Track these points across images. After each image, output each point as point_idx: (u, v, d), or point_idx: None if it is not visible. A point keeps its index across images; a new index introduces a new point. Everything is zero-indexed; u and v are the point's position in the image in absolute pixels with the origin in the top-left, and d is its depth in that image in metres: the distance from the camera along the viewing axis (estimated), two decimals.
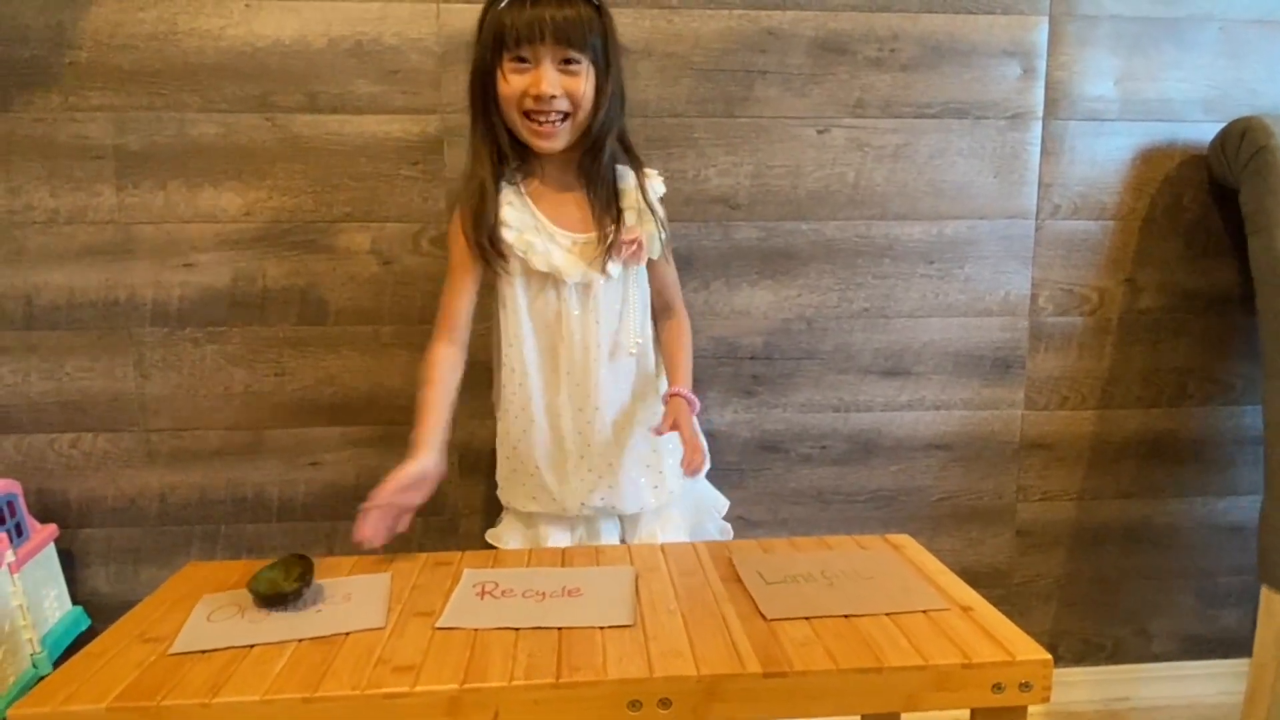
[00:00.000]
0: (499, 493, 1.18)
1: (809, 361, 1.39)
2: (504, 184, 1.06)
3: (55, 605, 1.26)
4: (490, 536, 1.19)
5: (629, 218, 1.06)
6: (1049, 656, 0.75)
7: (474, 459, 1.36)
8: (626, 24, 1.26)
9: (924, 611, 0.82)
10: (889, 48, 1.31)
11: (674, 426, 1.05)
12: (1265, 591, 1.25)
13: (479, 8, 1.23)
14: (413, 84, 1.26)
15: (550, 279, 1.05)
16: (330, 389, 1.32)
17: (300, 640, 0.79)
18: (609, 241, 1.05)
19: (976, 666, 0.74)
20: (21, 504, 1.22)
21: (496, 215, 1.04)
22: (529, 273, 1.06)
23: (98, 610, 1.32)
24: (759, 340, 1.37)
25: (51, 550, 1.27)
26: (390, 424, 1.34)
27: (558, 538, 1.13)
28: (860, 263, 1.37)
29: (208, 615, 0.84)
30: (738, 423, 1.39)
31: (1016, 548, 1.47)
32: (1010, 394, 1.42)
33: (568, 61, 1.00)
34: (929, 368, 1.40)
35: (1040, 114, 1.35)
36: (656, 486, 1.13)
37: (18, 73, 1.21)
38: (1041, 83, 1.34)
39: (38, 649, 1.18)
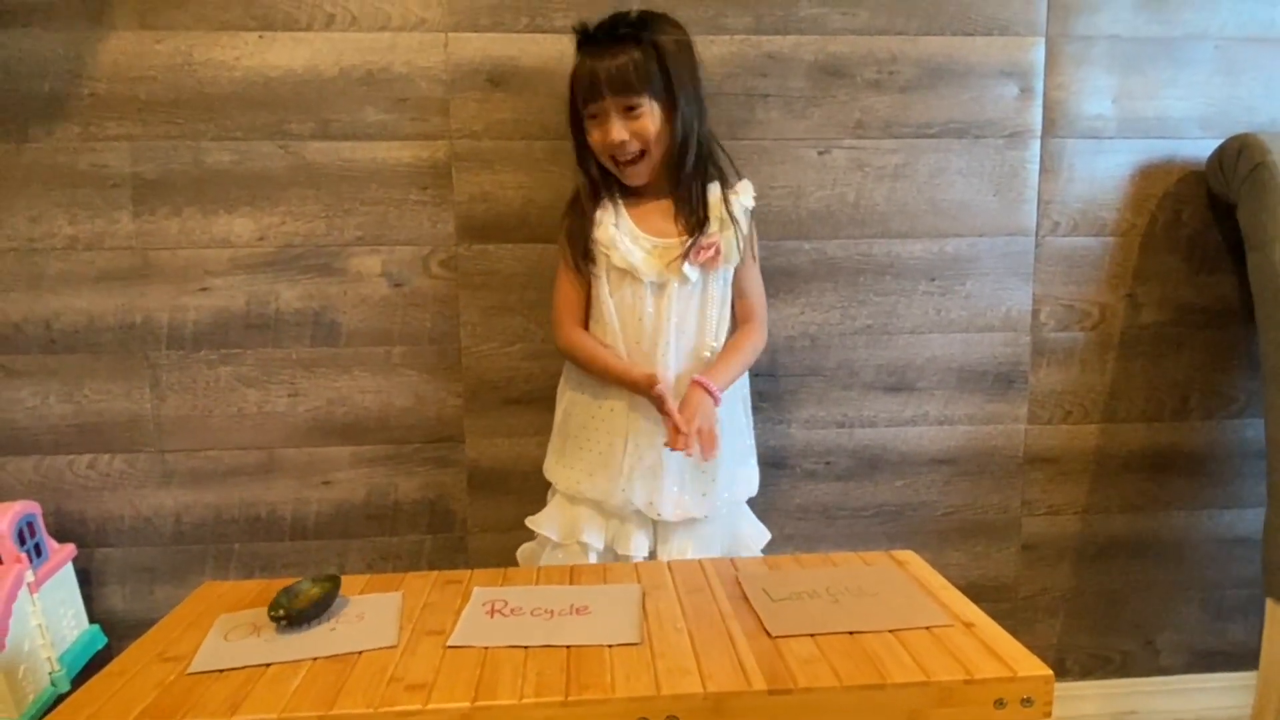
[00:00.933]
0: (547, 470, 1.22)
1: (813, 378, 1.40)
2: (604, 195, 1.17)
3: (73, 624, 1.28)
4: (530, 521, 1.22)
5: (711, 226, 1.14)
6: (1050, 672, 0.76)
7: (483, 477, 1.38)
8: None
9: (927, 628, 0.83)
10: (888, 70, 1.34)
11: (684, 411, 1.08)
12: (1271, 604, 1.25)
13: (486, 36, 1.28)
14: (422, 111, 1.29)
15: (629, 276, 1.13)
16: (342, 409, 1.35)
17: (315, 659, 0.80)
18: (688, 246, 1.11)
19: (978, 682, 0.75)
20: (41, 524, 1.24)
21: (589, 228, 1.15)
22: (612, 269, 1.14)
23: (114, 628, 1.34)
24: (764, 358, 1.36)
25: (70, 570, 1.29)
26: (401, 443, 1.36)
27: (591, 534, 1.16)
28: (862, 280, 1.38)
29: (224, 635, 0.86)
30: None
31: (1022, 562, 1.47)
32: (1013, 409, 1.43)
33: (630, 108, 1.10)
34: (932, 383, 1.41)
35: (1039, 132, 1.37)
36: (705, 494, 1.16)
37: (38, 105, 1.25)
38: (1039, 102, 1.36)
39: (56, 667, 1.20)
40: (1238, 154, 1.29)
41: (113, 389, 1.32)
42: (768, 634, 0.82)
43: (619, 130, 1.10)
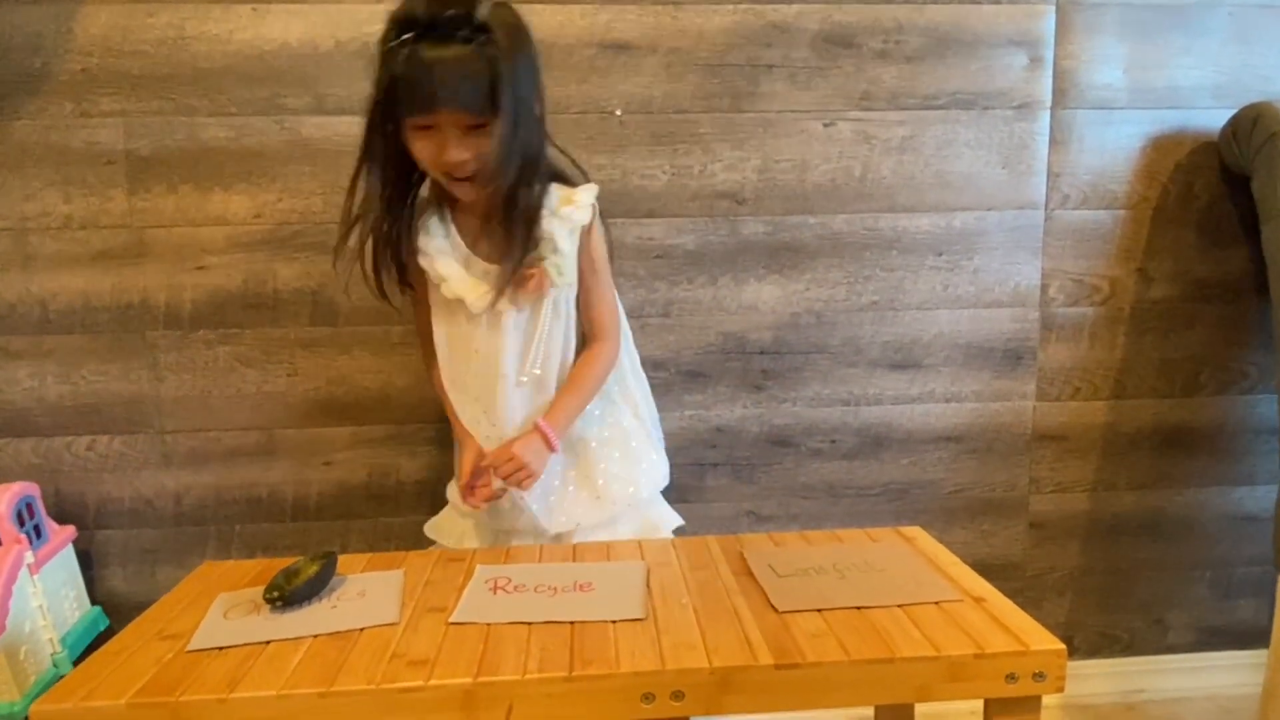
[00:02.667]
0: (448, 486, 1.19)
1: (818, 355, 1.38)
2: (431, 208, 1.04)
3: (74, 606, 1.28)
4: (429, 527, 1.19)
5: (544, 249, 1.00)
6: (1062, 646, 0.75)
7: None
8: (631, 20, 1.27)
9: (936, 603, 0.82)
10: (894, 39, 1.31)
11: (506, 455, 1.02)
12: None
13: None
14: None
15: (458, 307, 1.03)
16: (342, 389, 1.33)
17: (316, 636, 0.79)
18: (507, 277, 0.99)
19: (989, 657, 0.74)
20: (40, 506, 1.23)
21: (404, 251, 1.03)
22: (443, 298, 1.04)
23: (115, 610, 1.34)
24: (768, 335, 1.37)
25: (70, 551, 1.28)
26: (401, 423, 1.35)
27: (480, 541, 1.13)
28: (868, 256, 1.36)
29: (224, 613, 0.85)
30: (747, 418, 1.39)
31: (1030, 540, 1.46)
32: (1021, 385, 1.41)
33: (475, 125, 0.92)
34: (939, 360, 1.40)
35: (1048, 103, 1.34)
36: (598, 498, 1.10)
37: (30, 81, 1.22)
38: (1049, 72, 1.34)
39: (58, 649, 1.19)
40: (1252, 124, 1.27)
41: (110, 369, 1.30)
42: (774, 609, 0.81)
43: (457, 150, 0.92)
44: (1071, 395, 1.43)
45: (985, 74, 1.33)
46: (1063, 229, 1.38)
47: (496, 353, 1.04)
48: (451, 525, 1.17)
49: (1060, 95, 1.34)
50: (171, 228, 1.28)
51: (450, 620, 0.81)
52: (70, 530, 1.29)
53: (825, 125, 1.32)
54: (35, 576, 1.17)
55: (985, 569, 1.42)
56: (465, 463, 1.08)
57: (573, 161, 1.06)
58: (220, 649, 0.78)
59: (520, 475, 1.03)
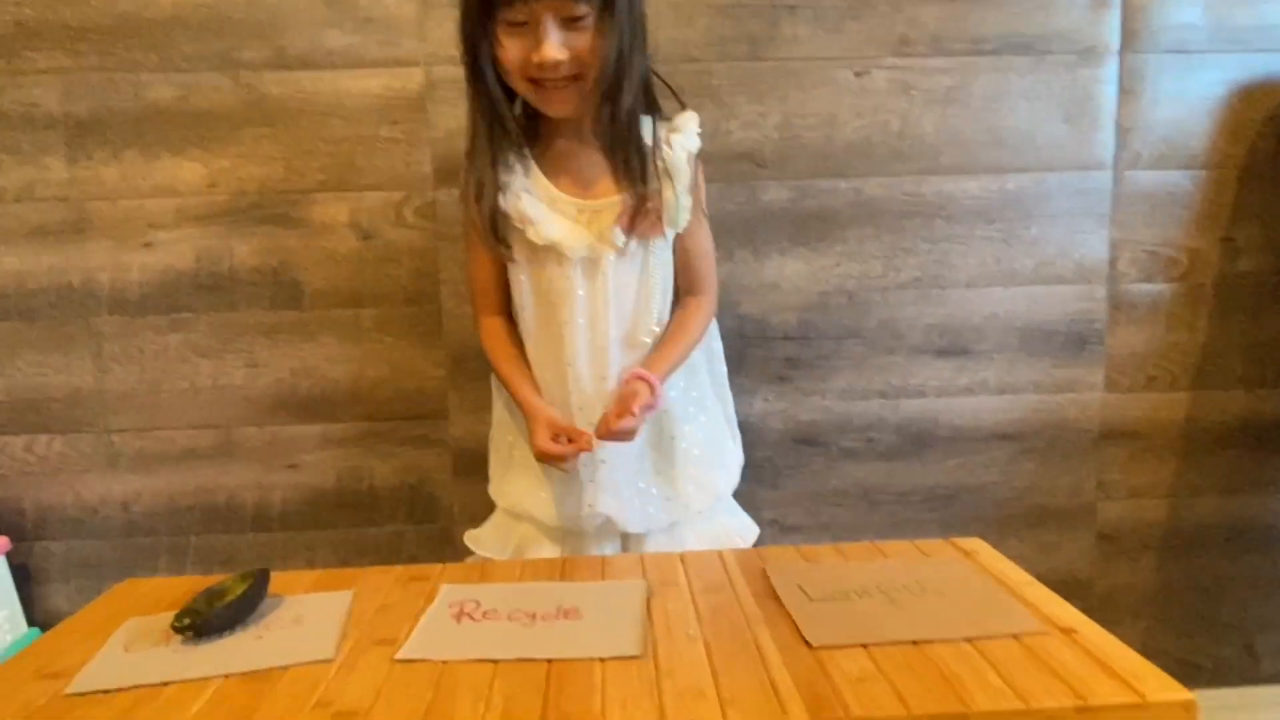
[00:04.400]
0: (490, 488, 1.05)
1: (851, 341, 1.24)
2: (506, 143, 0.92)
3: (6, 629, 1.14)
4: (469, 538, 1.05)
5: (661, 181, 0.92)
6: (1191, 696, 0.57)
7: (470, 460, 1.22)
8: None
9: (1015, 635, 0.66)
10: None
11: (620, 414, 0.88)
12: None
13: None
14: (392, 33, 1.14)
15: (553, 253, 0.92)
16: (308, 381, 1.21)
17: (227, 676, 0.64)
18: (628, 209, 0.91)
19: (1095, 710, 0.57)
20: None
21: (493, 192, 0.91)
22: (531, 245, 0.92)
23: None
24: (792, 317, 1.23)
25: (3, 565, 1.15)
26: (375, 420, 1.22)
27: (542, 548, 0.98)
28: (909, 225, 1.22)
29: (125, 644, 0.70)
30: (770, 413, 1.25)
31: (1099, 553, 1.31)
32: (1088, 374, 1.26)
33: (574, 18, 0.85)
34: (991, 345, 1.25)
35: (1116, 48, 1.20)
36: (670, 499, 0.98)
37: None
38: (1117, 11, 1.19)
39: None
40: None
41: (50, 361, 1.18)
42: (807, 644, 0.65)
43: (555, 47, 0.85)
44: (1145, 386, 1.27)
45: (1043, 13, 1.19)
46: (1134, 192, 1.23)
47: (601, 305, 0.93)
48: (502, 533, 1.02)
49: (1130, 37, 1.20)
50: (115, 200, 1.16)
51: (396, 657, 0.65)
52: (3, 542, 1.16)
53: (857, 74, 1.18)
54: None
55: (1047, 586, 1.27)
56: (539, 432, 0.91)
57: (665, 84, 0.96)
58: (106, 692, 0.62)
59: (646, 413, 0.90)
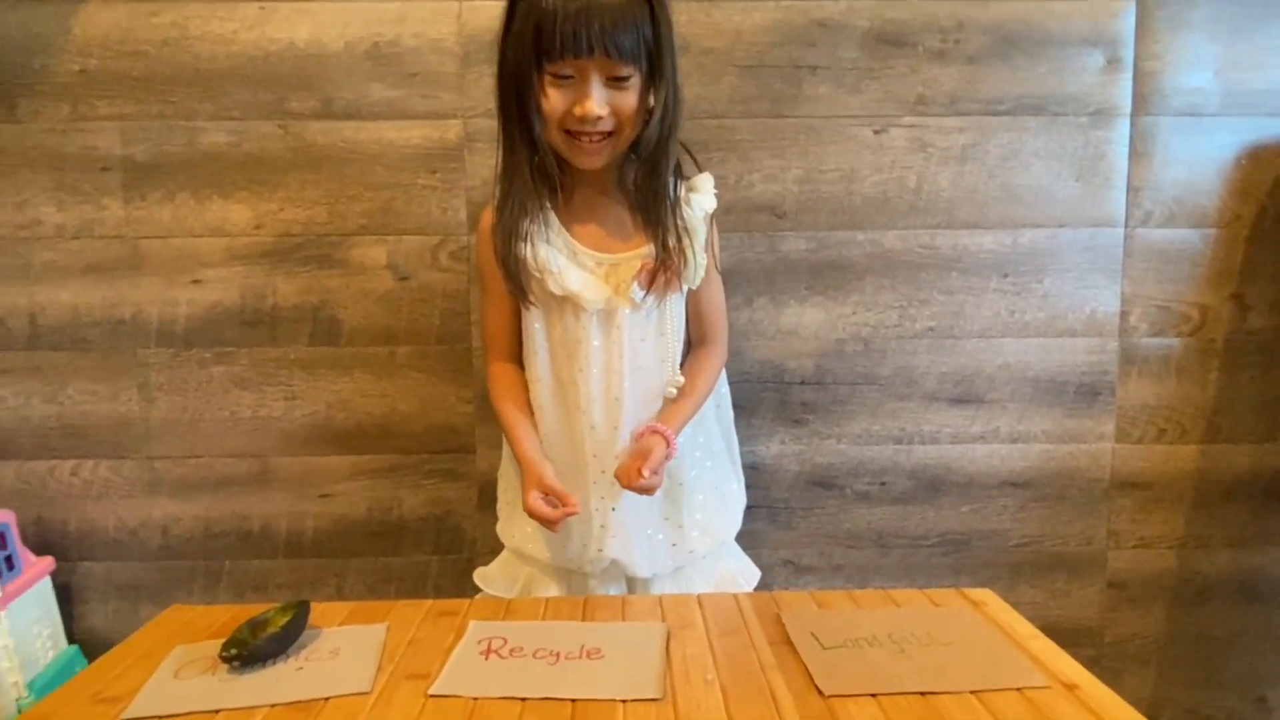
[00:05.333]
0: (498, 527, 1.07)
1: (866, 387, 1.25)
2: (526, 189, 0.93)
3: (48, 645, 1.18)
4: (478, 576, 1.06)
5: (681, 236, 0.93)
6: None
7: (494, 494, 1.23)
8: None
9: (1019, 689, 0.68)
10: (954, 38, 1.19)
11: (639, 470, 0.89)
12: None
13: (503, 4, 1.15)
14: (432, 87, 1.18)
15: (570, 303, 0.93)
16: (342, 414, 1.24)
17: (273, 706, 0.67)
18: (649, 266, 0.92)
19: None
20: (14, 535, 1.14)
21: (516, 242, 0.92)
22: (548, 294, 0.94)
23: (95, 650, 1.24)
24: (809, 363, 1.25)
25: (47, 584, 1.19)
26: (405, 453, 1.25)
27: (549, 591, 1.00)
28: (924, 277, 1.23)
29: (175, 671, 0.74)
30: (785, 455, 1.26)
31: (1108, 602, 1.30)
32: (1099, 425, 1.27)
33: (618, 76, 0.87)
34: (1004, 395, 1.26)
35: (1128, 110, 1.21)
36: (675, 545, 1.00)
37: (27, 81, 1.17)
38: (1129, 74, 1.21)
39: (24, 693, 1.09)
40: None
41: (99, 389, 1.22)
42: (819, 692, 0.67)
43: (598, 103, 0.86)
44: (1156, 438, 1.27)
45: (1056, 77, 1.20)
46: (1145, 249, 1.24)
47: (615, 357, 0.94)
48: (510, 572, 1.04)
49: (1142, 100, 1.21)
50: (167, 238, 1.20)
51: (430, 692, 0.69)
52: (48, 562, 1.20)
53: (875, 132, 1.21)
54: (2, 612, 1.07)
55: (1056, 635, 1.23)
56: (530, 491, 0.91)
57: (684, 147, 0.97)
58: (159, 718, 0.66)
59: (636, 481, 0.90)
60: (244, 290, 1.21)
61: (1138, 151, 1.22)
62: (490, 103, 1.16)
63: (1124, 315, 1.25)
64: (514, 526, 1.04)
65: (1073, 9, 1.19)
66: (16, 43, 1.16)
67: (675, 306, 0.96)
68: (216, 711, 0.67)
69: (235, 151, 1.19)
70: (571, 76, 0.87)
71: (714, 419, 1.06)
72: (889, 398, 1.26)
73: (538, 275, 0.93)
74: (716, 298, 1.02)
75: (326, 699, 0.68)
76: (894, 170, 1.21)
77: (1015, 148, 1.21)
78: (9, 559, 1.13)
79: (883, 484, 1.27)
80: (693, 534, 1.00)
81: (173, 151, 1.18)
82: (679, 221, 0.93)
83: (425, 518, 1.26)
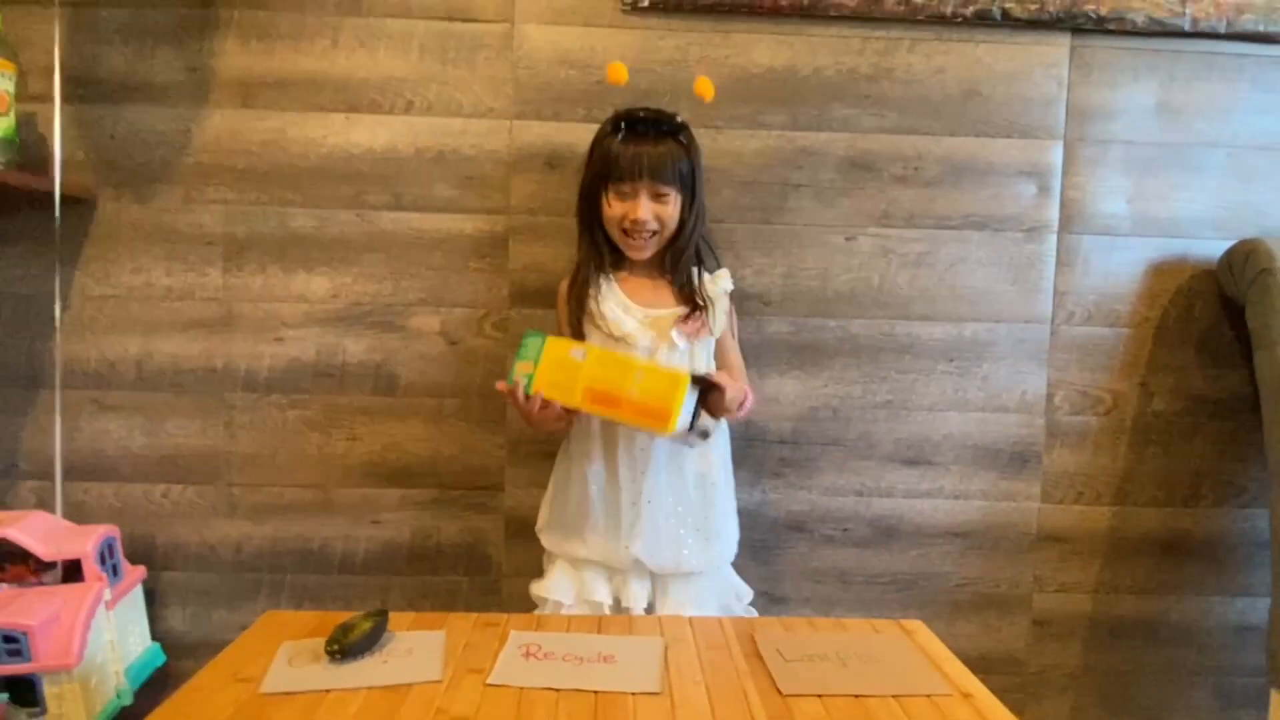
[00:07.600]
0: (545, 538, 1.29)
1: (833, 448, 1.47)
2: (592, 267, 1.26)
3: (138, 641, 1.39)
4: (537, 589, 1.28)
5: (705, 299, 1.25)
6: None
7: (519, 525, 1.46)
8: None
9: (928, 695, 0.89)
10: (913, 166, 1.44)
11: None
12: (1275, 695, 1.28)
13: (548, 124, 1.40)
14: (485, 189, 1.41)
15: (621, 344, 1.22)
16: (395, 454, 1.45)
17: (370, 688, 0.88)
18: (683, 316, 1.23)
19: None
20: (119, 547, 1.36)
21: (585, 300, 1.24)
22: (604, 337, 1.22)
23: (171, 647, 1.44)
24: (787, 426, 1.46)
25: (140, 590, 1.40)
26: (445, 488, 1.46)
27: (598, 587, 1.24)
28: (883, 358, 1.46)
29: (289, 660, 0.95)
30: (766, 502, 1.48)
31: (1033, 636, 1.51)
32: (1027, 487, 1.48)
33: (660, 194, 1.21)
34: (948, 458, 1.47)
35: (1055, 228, 1.45)
36: (704, 547, 1.24)
37: (149, 171, 1.40)
38: (1056, 200, 1.44)
39: (122, 680, 1.30)
40: (1245, 258, 1.36)
41: (190, 426, 1.44)
42: (779, 692, 0.88)
43: (646, 210, 1.20)
44: (1075, 499, 1.49)
45: (997, 200, 1.44)
46: (1068, 343, 1.47)
47: None
48: (564, 580, 1.27)
49: (1067, 221, 1.45)
50: (257, 303, 1.43)
51: (488, 682, 0.90)
52: (141, 570, 1.41)
53: (847, 239, 1.44)
54: (110, 612, 1.29)
55: (989, 662, 1.49)
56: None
57: (709, 246, 1.31)
58: (288, 694, 0.88)
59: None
60: (319, 348, 1.43)
61: (1063, 262, 1.46)
62: (531, 203, 1.41)
63: (1050, 397, 1.47)
64: (566, 535, 1.27)
65: (1011, 145, 1.44)
66: (144, 139, 1.39)
67: (703, 351, 1.25)
68: (328, 690, 0.88)
69: (319, 234, 1.41)
70: (628, 193, 1.21)
71: (725, 458, 1.31)
72: (852, 457, 1.47)
73: (599, 323, 1.23)
74: (737, 356, 1.33)
75: (410, 685, 0.89)
76: (862, 270, 1.45)
77: (962, 256, 1.45)
78: (115, 567, 1.34)
79: (845, 530, 1.48)
80: (715, 544, 1.26)
81: (266, 232, 1.41)
82: (704, 289, 1.26)
83: (459, 544, 1.47)
